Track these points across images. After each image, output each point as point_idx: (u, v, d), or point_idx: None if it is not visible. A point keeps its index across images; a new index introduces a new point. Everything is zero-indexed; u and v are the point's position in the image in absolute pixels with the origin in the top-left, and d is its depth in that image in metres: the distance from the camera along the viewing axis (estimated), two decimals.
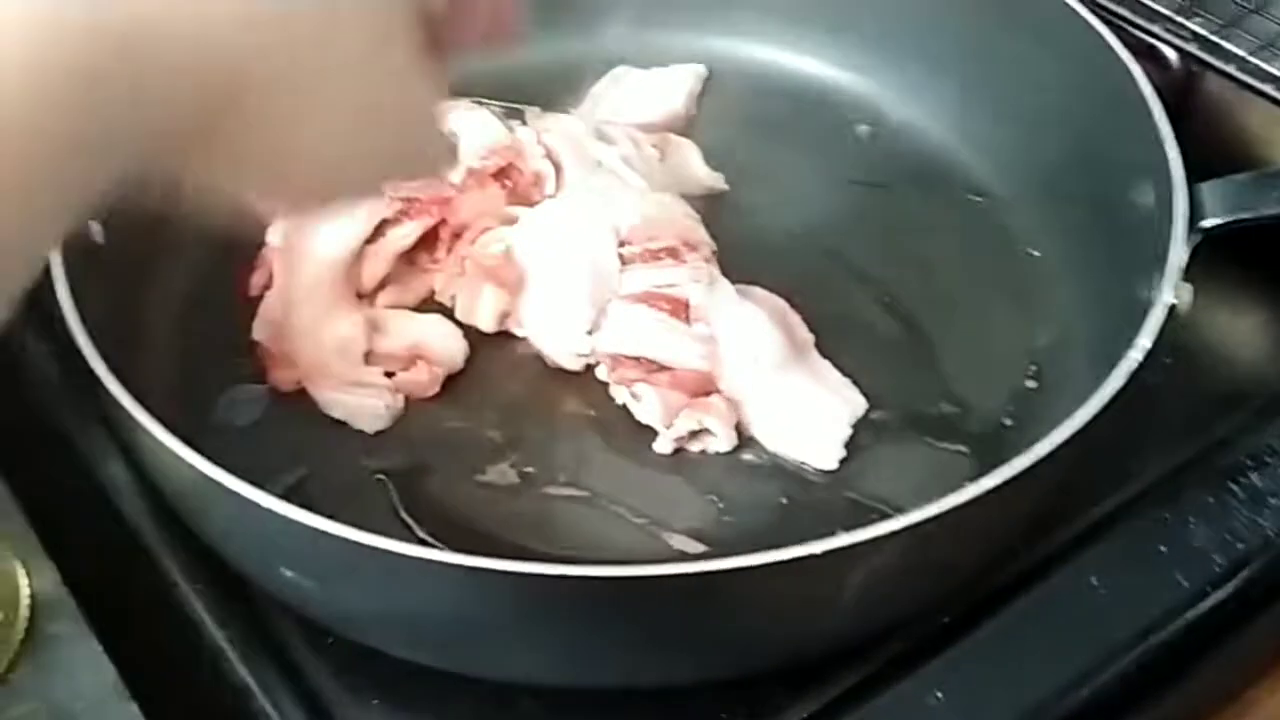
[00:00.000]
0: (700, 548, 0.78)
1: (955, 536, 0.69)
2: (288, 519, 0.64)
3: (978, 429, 0.84)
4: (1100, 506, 0.81)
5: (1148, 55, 0.91)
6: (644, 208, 0.86)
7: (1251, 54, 0.91)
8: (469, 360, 0.87)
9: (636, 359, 0.83)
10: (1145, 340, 0.72)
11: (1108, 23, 0.89)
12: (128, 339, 0.80)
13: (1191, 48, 0.92)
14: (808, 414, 0.83)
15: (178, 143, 0.46)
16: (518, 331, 0.87)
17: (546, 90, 1.01)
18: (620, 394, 0.84)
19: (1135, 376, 0.71)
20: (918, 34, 0.99)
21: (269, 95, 0.47)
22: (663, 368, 0.83)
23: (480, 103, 0.95)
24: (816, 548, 0.63)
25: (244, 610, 0.77)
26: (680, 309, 0.83)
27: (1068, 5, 0.90)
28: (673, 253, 0.84)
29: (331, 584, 0.70)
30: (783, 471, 0.82)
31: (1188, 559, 0.78)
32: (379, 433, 0.84)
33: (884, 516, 0.65)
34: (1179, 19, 0.93)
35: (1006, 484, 0.67)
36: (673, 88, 1.01)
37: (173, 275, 0.89)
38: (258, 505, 0.65)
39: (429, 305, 0.90)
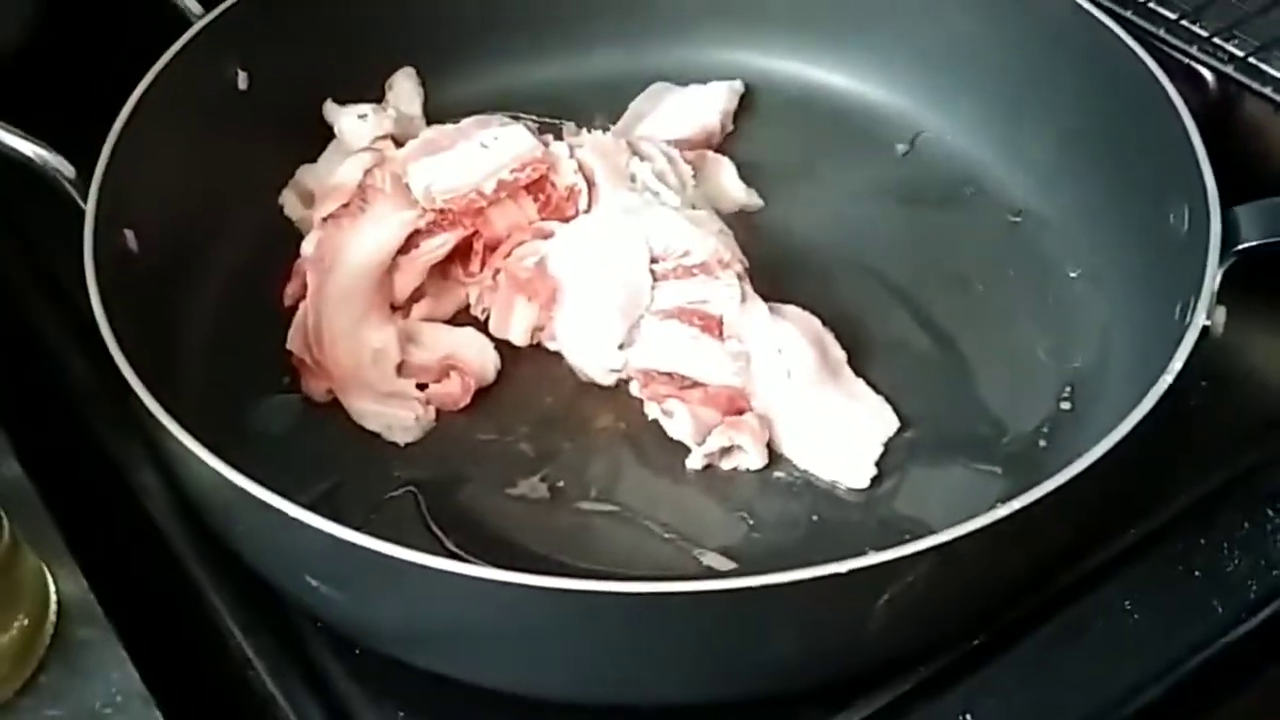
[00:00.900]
0: (730, 565, 0.78)
1: (987, 557, 0.68)
2: (314, 529, 0.64)
3: (1011, 449, 0.83)
4: (1134, 530, 0.80)
5: (1184, 77, 0.90)
6: (678, 224, 0.86)
7: None
8: (501, 374, 0.87)
9: (669, 374, 0.83)
10: (1178, 362, 0.72)
11: (1145, 44, 0.88)
12: (161, 348, 0.81)
13: (1228, 69, 0.91)
14: (840, 432, 0.82)
15: None
16: (550, 346, 0.87)
17: (584, 106, 1.01)
18: (652, 410, 0.83)
19: (1168, 398, 0.71)
20: (956, 53, 0.99)
21: None
22: (695, 384, 0.83)
23: (516, 117, 0.95)
24: (843, 566, 0.63)
25: (271, 620, 0.77)
26: (713, 325, 0.83)
27: (1106, 27, 0.89)
28: (706, 269, 0.84)
29: (357, 595, 0.70)
30: (814, 489, 0.82)
31: (1222, 584, 0.78)
32: (410, 444, 0.84)
33: (915, 536, 0.65)
34: (1216, 40, 0.92)
35: (1039, 504, 0.66)
36: (709, 104, 1.01)
37: (207, 284, 0.90)
38: (284, 514, 0.65)
39: (462, 319, 0.90)
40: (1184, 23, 0.94)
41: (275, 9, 0.94)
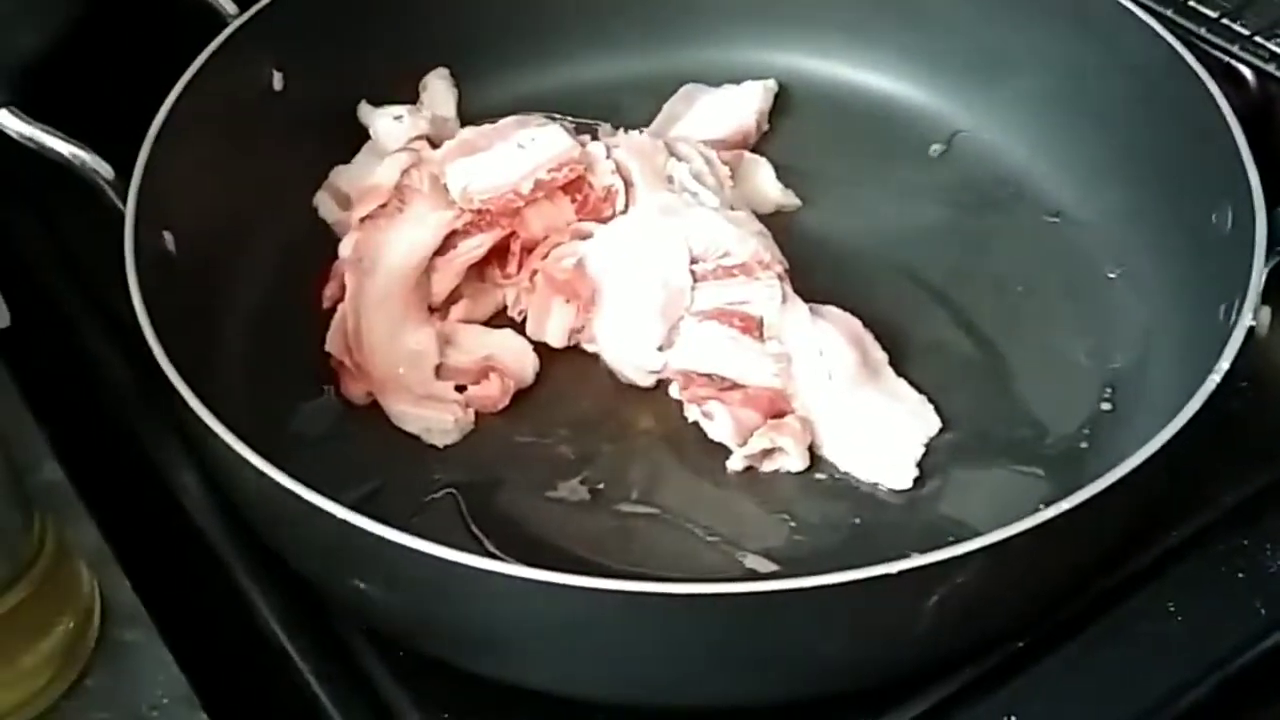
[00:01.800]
0: (772, 566, 0.78)
1: (1035, 558, 0.68)
2: (361, 530, 0.64)
3: (1053, 451, 0.83)
4: (1178, 532, 0.80)
5: (1226, 76, 0.90)
6: (718, 224, 0.85)
7: None
8: (540, 376, 0.87)
9: (709, 376, 0.83)
10: (1224, 363, 0.72)
11: (1186, 43, 0.88)
12: (200, 350, 0.81)
13: (1270, 68, 0.91)
14: (881, 433, 0.82)
15: None
16: (588, 347, 0.87)
17: (616, 108, 1.01)
18: (692, 412, 0.83)
19: (1215, 399, 0.71)
20: (993, 52, 0.98)
21: None
22: (735, 385, 0.82)
23: (552, 117, 0.94)
24: (894, 567, 0.63)
25: (315, 621, 0.77)
26: (753, 326, 0.83)
27: (1147, 25, 0.89)
28: (746, 269, 0.84)
29: (405, 597, 0.69)
30: (855, 491, 0.81)
31: (1266, 585, 0.77)
32: (449, 446, 0.84)
33: (959, 539, 0.65)
34: (1258, 39, 0.92)
35: (1084, 507, 0.66)
36: (744, 104, 1.00)
37: (245, 286, 0.89)
38: (332, 515, 0.65)
39: (499, 321, 0.90)
40: (1225, 21, 0.93)
41: (310, 9, 0.94)
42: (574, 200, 0.89)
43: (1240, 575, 0.78)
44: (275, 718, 0.75)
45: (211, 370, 0.82)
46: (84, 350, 0.90)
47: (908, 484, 0.81)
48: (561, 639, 0.69)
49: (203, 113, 0.87)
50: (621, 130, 0.96)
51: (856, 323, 0.85)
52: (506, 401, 0.85)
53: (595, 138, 0.93)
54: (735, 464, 0.82)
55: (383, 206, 0.87)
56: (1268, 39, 0.92)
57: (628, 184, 0.89)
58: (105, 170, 0.82)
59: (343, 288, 0.86)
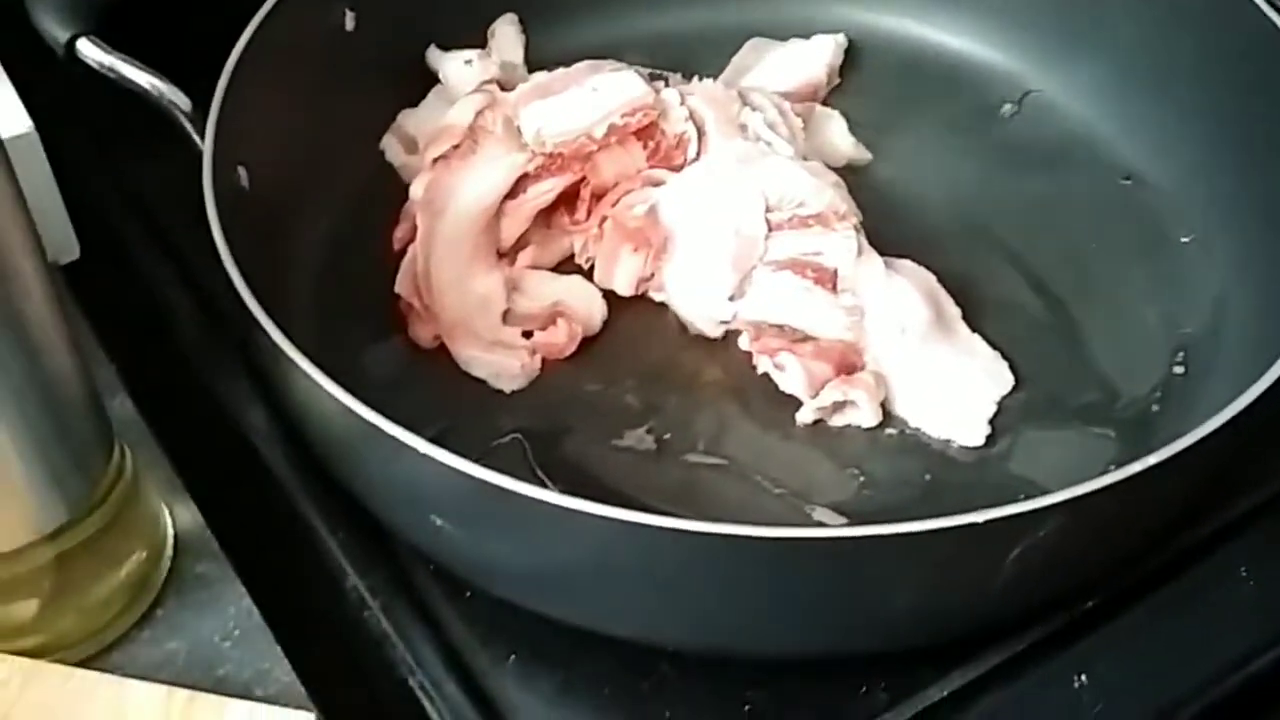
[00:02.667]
0: (842, 520, 0.77)
1: (1114, 516, 0.67)
2: (443, 464, 0.64)
3: (1125, 414, 0.82)
4: (1250, 497, 0.79)
5: None
6: (795, 173, 0.85)
7: None
8: (607, 324, 0.86)
9: (780, 327, 0.82)
10: None
11: (1271, 4, 0.87)
12: (271, 290, 0.80)
13: None
14: (954, 389, 0.81)
15: None
16: (656, 296, 0.87)
17: (688, 58, 1.00)
18: (763, 363, 0.82)
19: None
20: (1067, 12, 0.97)
21: None
22: (806, 337, 0.82)
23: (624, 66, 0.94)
24: (980, 516, 0.62)
25: (384, 561, 0.77)
26: (827, 278, 0.82)
27: None
28: (822, 220, 0.83)
29: (479, 533, 0.69)
30: (926, 448, 0.81)
31: None
32: (516, 392, 0.83)
33: (1030, 498, 0.64)
34: None
35: (1171, 462, 0.65)
36: (814, 57, 0.99)
37: (316, 227, 0.89)
38: (415, 450, 0.64)
39: (567, 268, 0.89)
40: None
41: None
42: (646, 147, 0.88)
43: None
44: (346, 650, 0.74)
45: (281, 310, 0.81)
46: (150, 289, 0.90)
47: (980, 441, 0.80)
48: (632, 582, 0.68)
49: (277, 49, 0.86)
50: (696, 77, 0.95)
51: (931, 277, 0.84)
52: (573, 348, 0.85)
53: (668, 85, 0.92)
54: (805, 416, 0.81)
55: (456, 147, 0.86)
56: None
57: (701, 132, 0.88)
58: (183, 101, 0.81)
59: (413, 229, 0.86)
